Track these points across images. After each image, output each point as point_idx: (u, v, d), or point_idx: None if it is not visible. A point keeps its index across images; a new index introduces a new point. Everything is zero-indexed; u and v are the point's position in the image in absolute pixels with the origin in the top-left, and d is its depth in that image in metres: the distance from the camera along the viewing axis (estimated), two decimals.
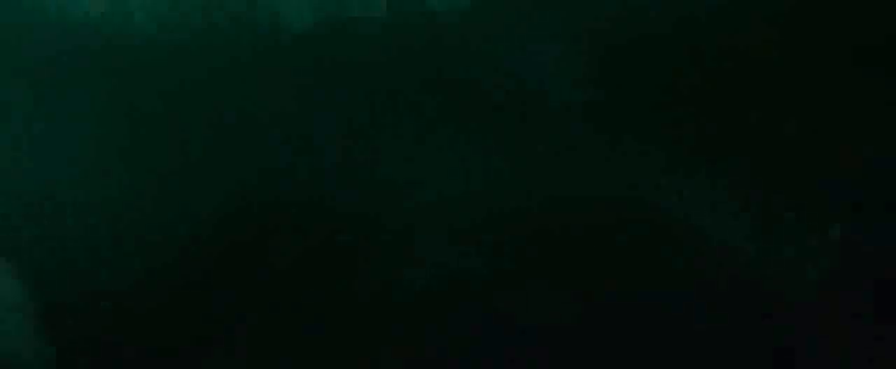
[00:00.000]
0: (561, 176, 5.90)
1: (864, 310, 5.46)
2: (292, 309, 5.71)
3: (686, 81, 5.98)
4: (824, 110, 5.89)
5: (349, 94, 6.11)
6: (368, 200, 5.90)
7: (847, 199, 5.68)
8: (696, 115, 5.93)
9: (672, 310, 5.52)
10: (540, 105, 6.01)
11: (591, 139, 5.94)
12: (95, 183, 5.99)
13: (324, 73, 6.15)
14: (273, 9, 6.22)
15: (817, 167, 5.78)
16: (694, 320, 5.50)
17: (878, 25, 5.98)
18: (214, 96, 6.12)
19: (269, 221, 5.90)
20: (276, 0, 6.24)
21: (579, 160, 5.92)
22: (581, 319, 5.57)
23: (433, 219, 5.83)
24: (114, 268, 5.81)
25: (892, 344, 5.35)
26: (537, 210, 5.85)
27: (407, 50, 6.14)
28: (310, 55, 6.18)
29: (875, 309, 5.43)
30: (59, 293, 5.76)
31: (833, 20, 6.02)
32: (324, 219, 5.89)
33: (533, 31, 6.13)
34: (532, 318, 5.58)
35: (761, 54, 5.99)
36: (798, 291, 5.51)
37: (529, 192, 5.88)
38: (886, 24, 5.98)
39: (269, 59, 6.18)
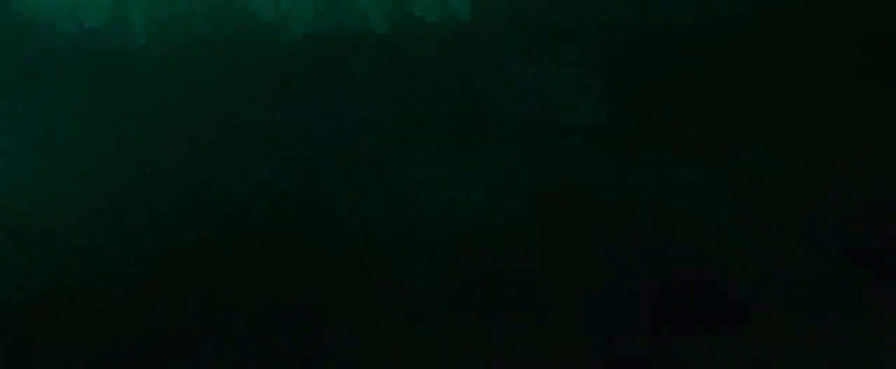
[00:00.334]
0: (562, 192, 5.89)
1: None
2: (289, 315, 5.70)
3: (699, 94, 5.97)
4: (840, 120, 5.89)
5: (345, 107, 6.11)
6: (363, 217, 5.90)
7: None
8: (711, 129, 5.92)
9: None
10: (541, 121, 6.00)
11: (597, 157, 5.93)
12: (91, 187, 5.98)
13: (321, 83, 6.15)
14: (271, 19, 6.22)
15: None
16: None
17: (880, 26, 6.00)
18: (210, 105, 6.12)
19: (262, 230, 5.89)
20: (274, 10, 6.23)
21: (584, 177, 5.92)
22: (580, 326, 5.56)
23: (427, 234, 5.83)
24: (111, 274, 5.81)
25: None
26: (534, 226, 5.84)
27: (405, 62, 6.13)
28: (307, 64, 6.18)
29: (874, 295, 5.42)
30: (56, 295, 5.76)
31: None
32: (317, 230, 5.88)
33: (535, 46, 6.13)
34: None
35: (778, 64, 6.00)
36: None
37: (526, 207, 5.87)
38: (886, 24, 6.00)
39: (266, 69, 6.18)
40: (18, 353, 5.69)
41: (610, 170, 5.90)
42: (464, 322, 5.65)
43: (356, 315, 5.73)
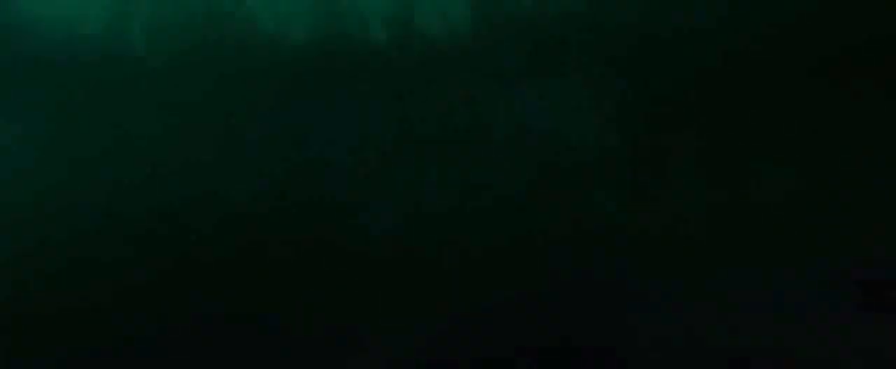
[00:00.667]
0: (566, 221, 5.90)
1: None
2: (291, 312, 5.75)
3: (706, 116, 5.95)
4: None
5: (342, 117, 6.09)
6: (359, 225, 5.91)
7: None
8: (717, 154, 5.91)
9: None
10: (541, 145, 5.99)
11: (601, 184, 5.92)
12: (91, 191, 5.98)
13: (318, 92, 6.13)
14: (271, 26, 6.18)
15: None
16: None
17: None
18: (207, 113, 6.10)
19: (261, 231, 5.91)
20: (272, 17, 6.19)
21: (587, 206, 5.92)
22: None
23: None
24: (111, 274, 5.83)
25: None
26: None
27: (403, 75, 6.10)
28: (304, 73, 6.15)
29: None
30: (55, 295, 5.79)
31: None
32: (313, 234, 5.90)
33: (535, 63, 6.10)
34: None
35: (787, 87, 5.97)
36: None
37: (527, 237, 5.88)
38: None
39: (264, 76, 6.15)
40: (18, 353, 5.73)
41: (610, 186, 5.91)
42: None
43: (356, 314, 5.77)
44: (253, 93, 6.14)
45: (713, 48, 6.00)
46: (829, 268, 5.62)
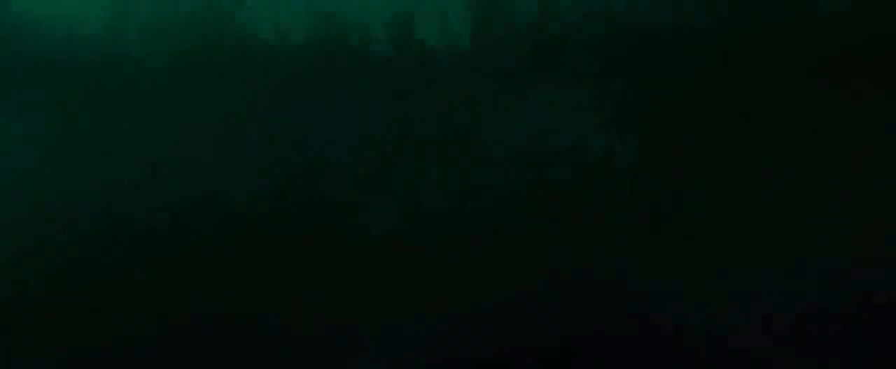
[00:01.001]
0: (567, 236, 5.89)
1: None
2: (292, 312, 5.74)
3: (706, 116, 5.95)
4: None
5: (340, 121, 6.08)
6: (357, 227, 5.90)
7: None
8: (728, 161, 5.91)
9: None
10: (541, 145, 5.98)
11: (601, 185, 5.92)
12: (90, 191, 5.97)
13: (318, 93, 6.12)
14: (269, 27, 6.18)
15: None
16: None
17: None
18: (204, 114, 6.09)
19: (261, 232, 5.90)
20: (272, 17, 6.19)
21: (587, 206, 5.91)
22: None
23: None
24: (111, 275, 5.82)
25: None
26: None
27: (402, 76, 6.10)
28: (304, 73, 6.14)
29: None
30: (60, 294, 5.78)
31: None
32: (312, 235, 5.90)
33: (535, 67, 6.09)
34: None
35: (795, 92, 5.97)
36: None
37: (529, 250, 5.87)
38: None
39: (263, 77, 6.15)
40: (18, 353, 5.72)
41: (607, 193, 5.91)
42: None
43: (356, 314, 5.76)
44: (253, 94, 6.14)
45: (713, 48, 6.00)
46: (829, 268, 5.62)
